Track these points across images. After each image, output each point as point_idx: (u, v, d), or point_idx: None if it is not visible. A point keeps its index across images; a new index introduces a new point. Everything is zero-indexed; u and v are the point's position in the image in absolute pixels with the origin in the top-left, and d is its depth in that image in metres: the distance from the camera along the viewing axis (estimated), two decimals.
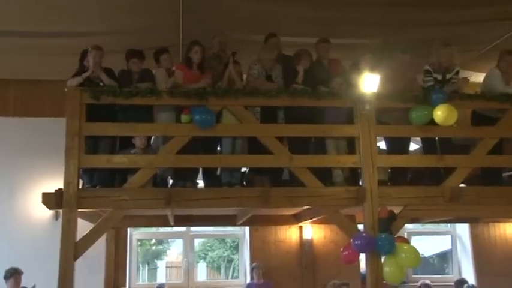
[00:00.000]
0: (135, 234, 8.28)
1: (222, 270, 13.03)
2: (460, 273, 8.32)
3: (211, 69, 5.74)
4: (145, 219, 7.34)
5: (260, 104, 5.57)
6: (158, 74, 5.71)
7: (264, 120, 5.63)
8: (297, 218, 7.51)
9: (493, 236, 8.08)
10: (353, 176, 5.75)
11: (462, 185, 5.63)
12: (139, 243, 8.82)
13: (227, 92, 5.43)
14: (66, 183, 5.00)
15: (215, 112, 5.32)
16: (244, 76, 6.00)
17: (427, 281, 7.46)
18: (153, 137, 5.80)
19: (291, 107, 5.61)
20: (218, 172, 5.79)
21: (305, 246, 7.77)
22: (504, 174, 6.12)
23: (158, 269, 12.89)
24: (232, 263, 12.12)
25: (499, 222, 8.05)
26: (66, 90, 5.26)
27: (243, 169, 6.04)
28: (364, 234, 5.21)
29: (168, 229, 8.41)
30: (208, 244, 13.15)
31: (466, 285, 7.26)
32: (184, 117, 5.30)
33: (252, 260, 7.77)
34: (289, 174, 5.70)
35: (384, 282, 5.30)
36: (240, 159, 5.62)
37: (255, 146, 5.60)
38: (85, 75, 5.38)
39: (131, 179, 5.20)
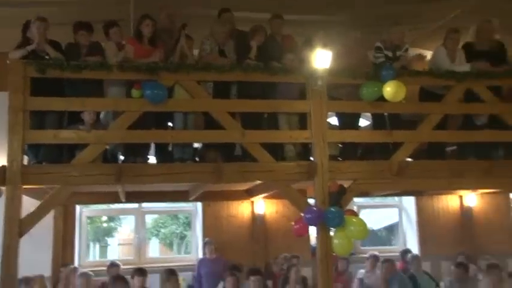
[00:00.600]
0: (84, 211, 8.13)
1: (175, 247, 13.02)
2: (405, 244, 8.67)
3: (163, 44, 5.62)
4: (95, 195, 7.21)
5: (213, 79, 5.51)
6: (108, 48, 5.55)
7: (217, 95, 5.59)
8: (249, 193, 7.57)
9: (436, 208, 8.44)
10: (305, 151, 5.83)
11: (409, 159, 5.82)
12: (89, 220, 8.67)
13: (179, 66, 5.34)
14: (9, 160, 4.82)
15: (167, 87, 5.24)
16: (197, 51, 5.91)
17: (376, 253, 7.73)
18: (102, 112, 5.65)
19: (244, 83, 5.59)
20: (170, 148, 5.73)
21: (257, 221, 7.86)
22: (447, 149, 6.37)
23: (109, 247, 12.74)
24: (185, 239, 12.12)
25: (442, 194, 8.40)
26: (8, 62, 5.03)
27: (196, 145, 6.01)
28: (314, 208, 5.31)
29: (119, 206, 8.29)
30: (161, 221, 13.08)
31: (409, 255, 7.58)
32: (135, 92, 5.18)
33: (204, 236, 7.81)
34: (241, 150, 5.72)
35: (334, 254, 5.46)
36: (192, 135, 5.59)
37: (207, 122, 5.57)
38: (30, 47, 5.15)
39: (80, 154, 5.07)
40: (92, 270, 6.73)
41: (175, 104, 5.40)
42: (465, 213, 8.41)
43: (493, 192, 8.13)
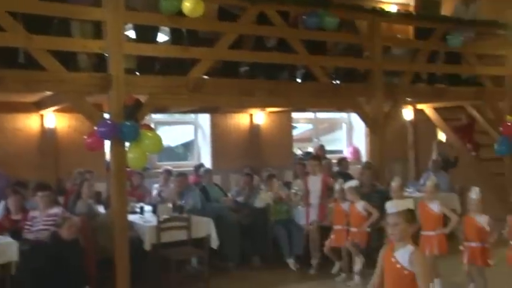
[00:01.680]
0: None
1: None
2: (199, 159, 9.12)
3: None
4: None
5: None
6: None
7: None
8: (38, 106, 7.01)
9: (228, 125, 8.97)
10: (100, 62, 5.55)
11: (205, 76, 6.00)
12: None
13: None
14: None
15: None
16: None
17: (169, 167, 7.99)
18: None
19: None
20: None
21: (47, 135, 7.37)
22: (241, 69, 6.73)
23: None
24: None
25: (234, 112, 8.94)
26: None
27: None
28: (108, 122, 5.19)
29: None
30: None
31: (202, 169, 8.03)
32: None
33: None
34: (25, 57, 5.18)
35: (128, 169, 5.47)
36: None
37: None
38: None
39: None
40: None
41: None
42: (253, 130, 9.12)
43: (278, 111, 8.95)
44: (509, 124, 8.51)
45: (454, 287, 5.38)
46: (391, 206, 2.85)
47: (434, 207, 5.35)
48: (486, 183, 8.24)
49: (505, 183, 8.45)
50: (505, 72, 8.59)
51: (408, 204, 2.86)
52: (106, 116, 5.45)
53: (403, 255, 2.71)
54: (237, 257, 6.66)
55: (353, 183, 6.11)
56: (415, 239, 5.08)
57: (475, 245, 5.00)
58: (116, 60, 5.27)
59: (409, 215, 2.83)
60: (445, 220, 5.40)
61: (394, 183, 5.74)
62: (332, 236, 6.13)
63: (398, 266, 2.71)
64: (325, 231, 6.35)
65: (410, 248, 2.74)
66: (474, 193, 5.08)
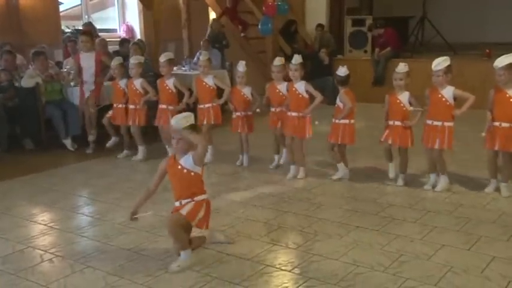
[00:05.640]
0: None
1: None
2: None
3: None
4: None
5: None
6: None
7: None
8: None
9: None
10: None
11: None
12: None
13: None
14: None
15: None
16: None
17: None
18: None
19: None
20: None
21: None
22: None
23: None
24: None
25: None
26: None
27: None
28: None
29: None
30: None
31: None
32: None
33: None
34: None
35: None
36: None
37: None
38: None
39: None
40: None
41: None
42: (10, 2, 7.97)
43: None
44: (270, 4, 9.25)
45: (225, 154, 5.86)
46: (173, 123, 3.03)
47: (209, 81, 5.65)
48: (251, 61, 9.01)
49: (267, 61, 9.32)
50: None
51: (187, 120, 3.00)
52: None
53: (186, 161, 3.05)
54: (5, 141, 6.15)
55: (139, 58, 5.99)
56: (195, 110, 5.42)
57: (240, 114, 5.52)
58: None
59: (190, 132, 2.99)
60: (218, 93, 5.78)
61: (162, 59, 5.74)
62: (111, 113, 6.04)
63: (184, 170, 3.05)
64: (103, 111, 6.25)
65: (191, 154, 3.04)
66: (241, 66, 5.50)
